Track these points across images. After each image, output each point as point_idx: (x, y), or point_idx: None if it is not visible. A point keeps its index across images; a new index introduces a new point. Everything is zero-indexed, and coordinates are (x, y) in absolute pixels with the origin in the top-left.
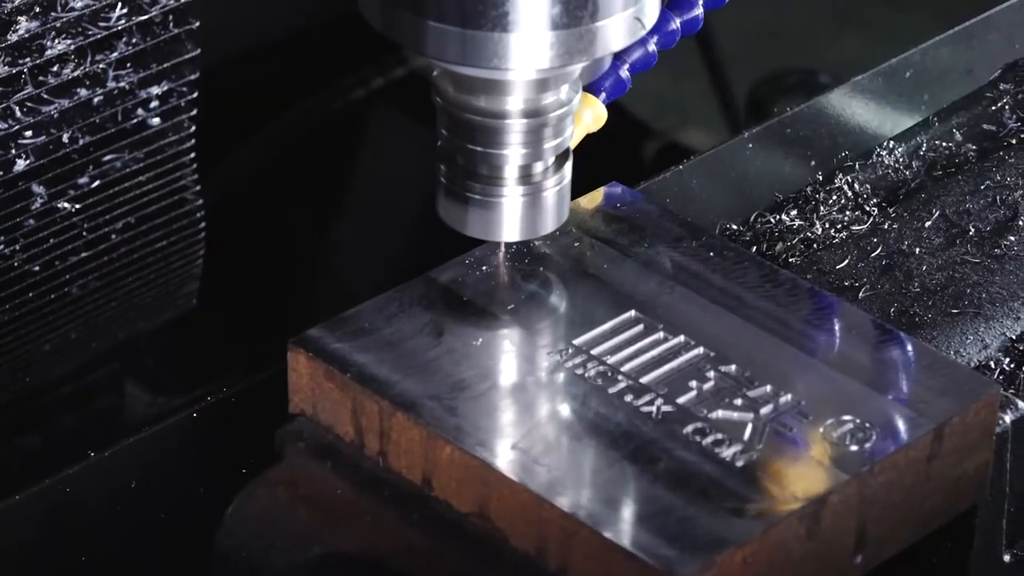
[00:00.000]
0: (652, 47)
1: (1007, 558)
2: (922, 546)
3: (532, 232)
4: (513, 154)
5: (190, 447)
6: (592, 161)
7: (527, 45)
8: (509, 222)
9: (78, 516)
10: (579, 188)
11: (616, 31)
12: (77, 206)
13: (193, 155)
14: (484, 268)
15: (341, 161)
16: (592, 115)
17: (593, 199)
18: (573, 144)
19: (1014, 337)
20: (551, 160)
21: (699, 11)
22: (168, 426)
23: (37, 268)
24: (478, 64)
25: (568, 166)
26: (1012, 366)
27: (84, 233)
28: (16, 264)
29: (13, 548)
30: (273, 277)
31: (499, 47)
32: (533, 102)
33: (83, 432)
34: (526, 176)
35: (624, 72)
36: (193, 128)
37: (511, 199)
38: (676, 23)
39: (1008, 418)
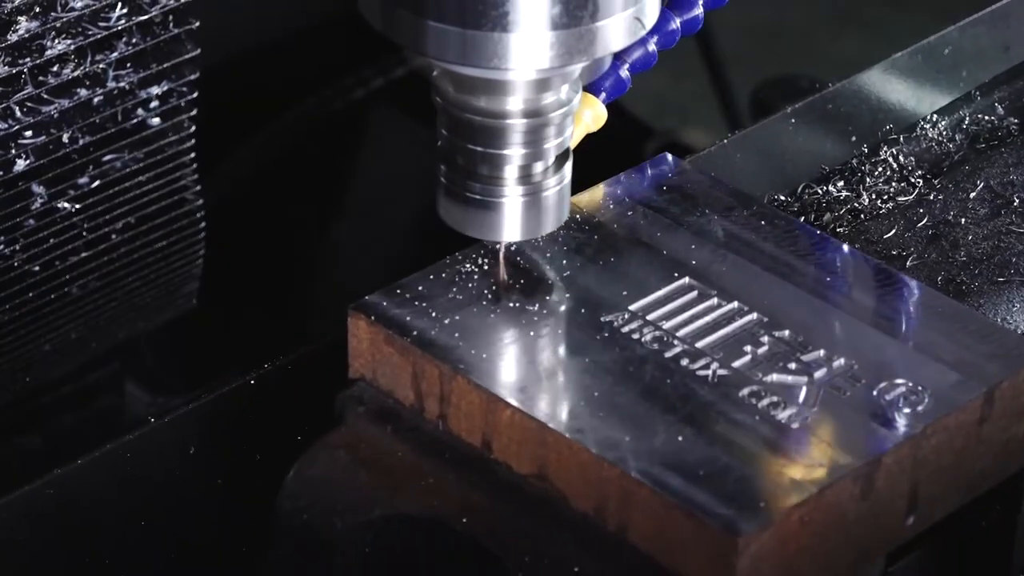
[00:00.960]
0: (652, 47)
1: None
2: (972, 508)
3: (532, 232)
4: (513, 154)
5: (248, 414)
6: (592, 161)
7: (527, 45)
8: (509, 222)
9: (140, 480)
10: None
11: (616, 31)
12: (77, 206)
13: (193, 155)
14: (540, 235)
15: (341, 161)
16: (592, 115)
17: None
18: (573, 144)
19: None
20: (551, 160)
21: (699, 11)
22: (226, 393)
23: (37, 268)
24: (478, 64)
25: (568, 166)
26: None
27: (84, 233)
28: (16, 264)
29: (77, 513)
30: (273, 277)
31: (499, 47)
32: (533, 102)
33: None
34: (526, 176)
35: (624, 72)
36: (193, 128)
37: (511, 199)
38: (676, 23)
39: None
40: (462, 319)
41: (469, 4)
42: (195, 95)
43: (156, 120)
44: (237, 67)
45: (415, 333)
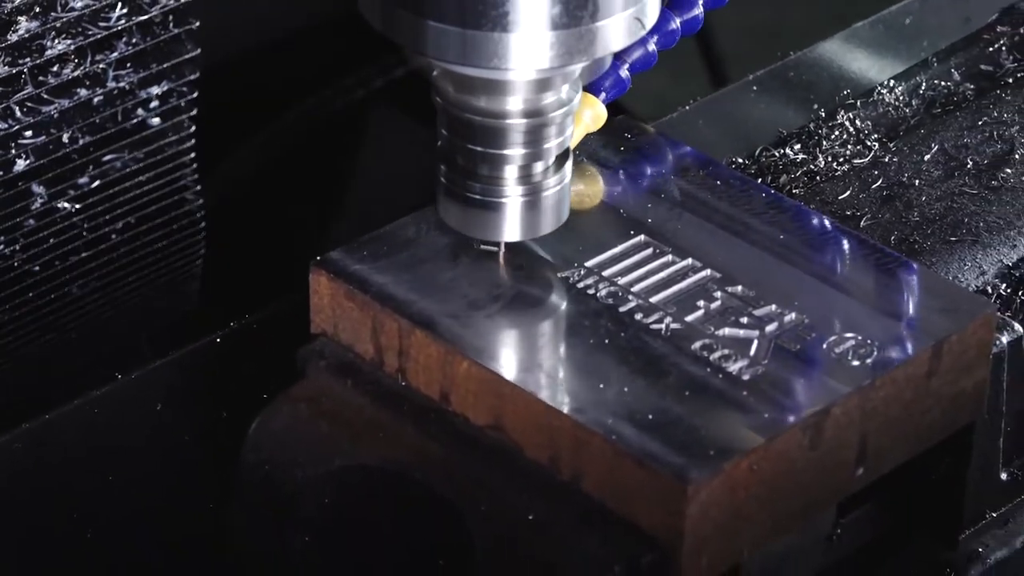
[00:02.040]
0: (652, 47)
1: (1004, 476)
2: (921, 461)
3: (532, 232)
4: (513, 154)
5: (215, 371)
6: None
7: (527, 45)
8: (509, 222)
9: (106, 437)
10: None
11: (616, 31)
12: (77, 206)
13: (193, 155)
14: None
15: (341, 161)
16: (592, 115)
17: (607, 129)
18: (573, 144)
19: (1010, 264)
20: (551, 160)
21: (699, 11)
22: (193, 350)
23: (37, 268)
24: (478, 64)
25: (568, 166)
26: (1008, 291)
27: (84, 233)
28: (16, 264)
29: (40, 468)
30: (273, 277)
31: (499, 47)
32: (533, 102)
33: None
34: (526, 176)
35: (624, 72)
36: (193, 128)
37: (511, 199)
38: (676, 23)
39: (1004, 339)
40: (421, 274)
41: (469, 4)
42: (195, 95)
43: (156, 120)
44: (237, 67)
45: (374, 288)
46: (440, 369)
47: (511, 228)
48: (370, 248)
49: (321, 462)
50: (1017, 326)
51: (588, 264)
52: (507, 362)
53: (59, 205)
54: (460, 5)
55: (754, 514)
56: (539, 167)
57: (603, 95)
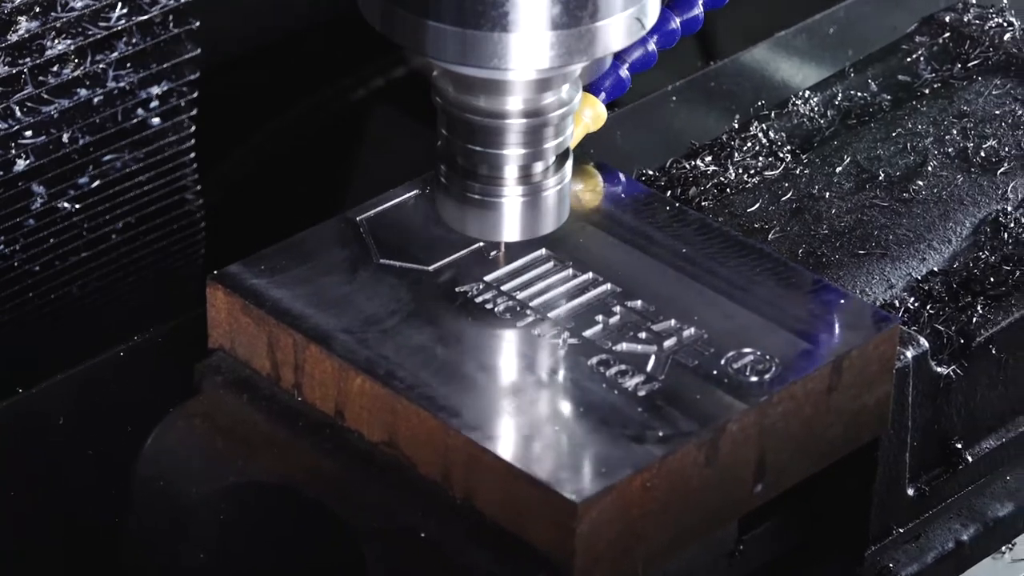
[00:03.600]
0: (652, 47)
1: (911, 492)
2: (825, 478)
3: (532, 232)
4: (513, 154)
5: (116, 385)
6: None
7: (527, 45)
8: (509, 222)
9: (5, 450)
10: None
11: (616, 31)
12: (77, 206)
13: (193, 155)
14: (402, 207)
15: (341, 161)
16: (592, 115)
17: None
18: (573, 144)
19: (919, 278)
20: (551, 160)
21: (699, 11)
22: (95, 364)
23: (37, 268)
24: (478, 64)
25: (568, 166)
26: (916, 305)
27: (84, 233)
28: (16, 264)
29: None
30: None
31: (499, 47)
32: (533, 102)
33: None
34: (526, 176)
35: (624, 72)
36: (193, 128)
37: (511, 199)
38: (676, 23)
39: (910, 353)
40: (317, 289)
41: (469, 4)
42: (195, 95)
43: (156, 120)
44: (237, 67)
45: (270, 303)
46: (335, 385)
47: (510, 228)
48: (268, 262)
49: (215, 478)
50: (923, 340)
51: (487, 278)
52: (401, 378)
53: (59, 205)
54: (460, 5)
55: (649, 531)
56: (539, 167)
57: (603, 95)
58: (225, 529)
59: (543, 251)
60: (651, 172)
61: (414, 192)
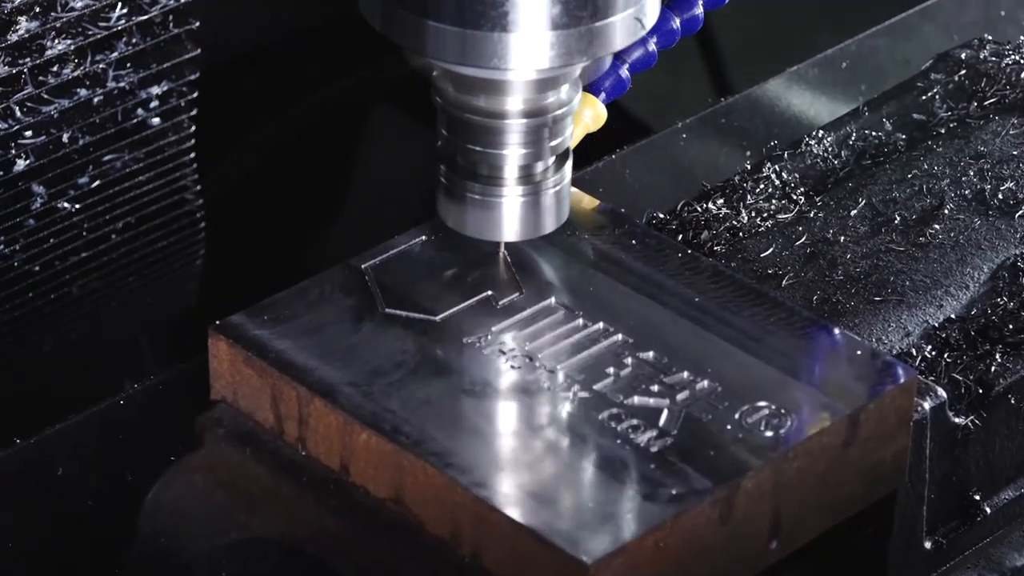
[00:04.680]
0: (652, 47)
1: (928, 545)
2: (841, 533)
3: (532, 232)
4: (513, 154)
5: (117, 434)
6: (592, 161)
7: (527, 45)
8: (509, 222)
9: (4, 502)
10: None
11: (616, 31)
12: (77, 206)
13: (193, 155)
14: (407, 255)
15: (341, 161)
16: (592, 115)
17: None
18: (573, 144)
19: (936, 325)
20: (551, 160)
21: (699, 11)
22: (94, 413)
23: (37, 268)
24: (478, 64)
25: (568, 166)
26: (933, 353)
27: (84, 233)
28: (16, 264)
29: None
30: (273, 277)
31: (499, 47)
32: (533, 102)
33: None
34: (526, 176)
35: (624, 72)
36: (193, 128)
37: (511, 199)
38: (676, 23)
39: (927, 405)
40: (321, 340)
41: (469, 4)
42: (195, 95)
43: (156, 120)
44: (237, 67)
45: (274, 354)
46: (340, 439)
47: (510, 228)
48: (271, 312)
49: (217, 534)
50: (940, 391)
51: (495, 329)
52: (407, 434)
53: (59, 205)
54: (460, 5)
55: None
56: (539, 167)
57: (603, 95)
58: None
59: (552, 300)
60: (662, 215)
61: (420, 239)
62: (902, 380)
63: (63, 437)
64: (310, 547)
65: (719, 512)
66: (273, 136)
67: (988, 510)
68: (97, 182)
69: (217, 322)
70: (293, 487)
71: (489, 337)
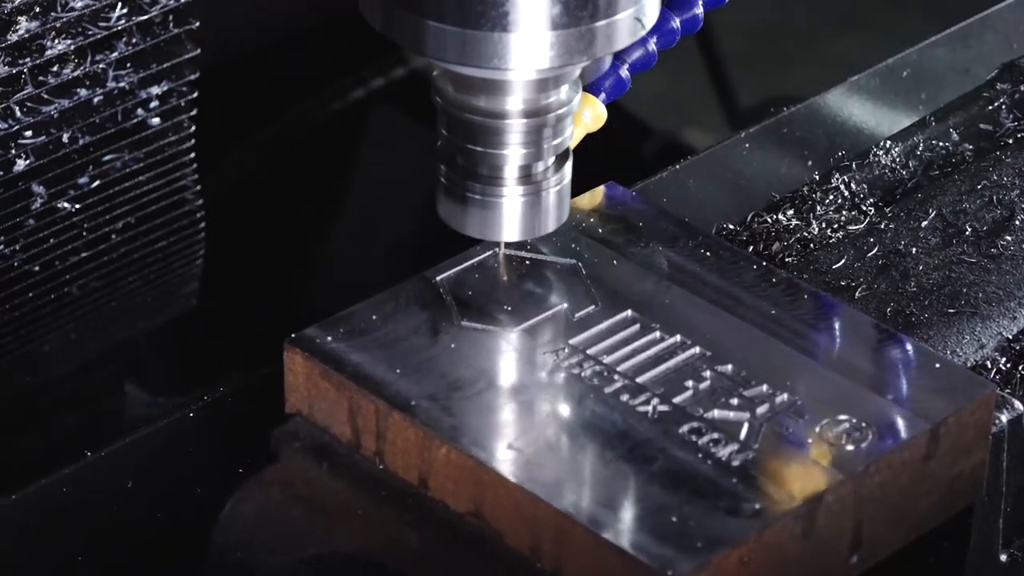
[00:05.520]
0: (652, 47)
1: (1004, 558)
2: (918, 546)
3: (532, 232)
4: (513, 154)
5: (187, 447)
6: (592, 161)
7: (527, 45)
8: (509, 222)
9: (75, 516)
10: (578, 188)
11: (616, 31)
12: (77, 206)
13: (193, 155)
14: (481, 267)
15: (341, 161)
16: (592, 115)
17: (593, 198)
18: (573, 144)
19: (1010, 337)
20: (551, 160)
21: (699, 11)
22: (164, 426)
23: (37, 268)
24: (478, 64)
25: (568, 166)
26: (1008, 365)
27: (84, 233)
28: (16, 264)
29: (8, 547)
30: (273, 277)
31: (499, 47)
32: (533, 102)
33: (83, 432)
34: (526, 176)
35: (624, 72)
36: (193, 128)
37: (511, 199)
38: (676, 23)
39: (1004, 418)
40: (399, 353)
41: (469, 4)
42: (195, 95)
43: (156, 120)
44: (237, 67)
45: (351, 368)
46: (418, 453)
47: (510, 228)
48: (346, 324)
49: (294, 549)
50: (1017, 404)
51: (572, 342)
52: (488, 447)
53: (59, 205)
54: (460, 5)
55: None
56: (539, 167)
57: (603, 95)
58: None
59: (629, 313)
60: (732, 227)
61: (493, 251)
62: (982, 393)
63: (133, 450)
64: (389, 562)
65: (802, 527)
66: (273, 136)
67: None
68: (97, 182)
69: (292, 335)
70: (371, 501)
71: (566, 350)
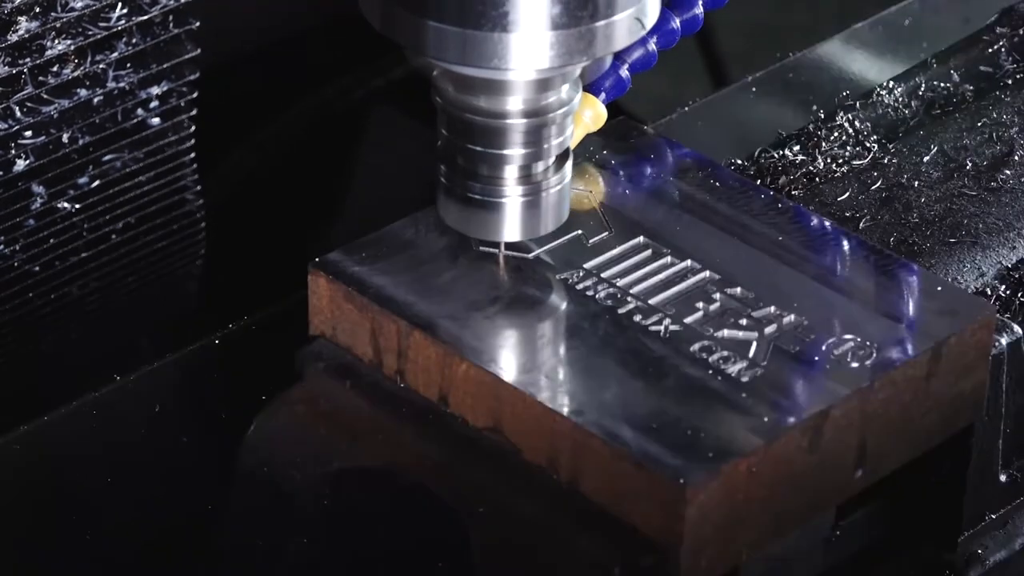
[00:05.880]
0: (652, 47)
1: (1003, 478)
2: (920, 464)
3: (532, 232)
4: (513, 154)
5: (212, 372)
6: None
7: (527, 45)
8: (509, 222)
9: (105, 439)
10: None
11: (616, 31)
12: (77, 206)
13: (193, 155)
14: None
15: (341, 161)
16: (592, 115)
17: (606, 130)
18: (573, 144)
19: (1009, 266)
20: (551, 160)
21: (699, 11)
22: (190, 351)
23: (37, 268)
24: (478, 64)
25: (568, 166)
26: (1008, 293)
27: (84, 233)
28: (16, 264)
29: (39, 472)
30: (273, 277)
31: (499, 47)
32: (533, 102)
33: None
34: (526, 176)
35: (624, 72)
36: (193, 128)
37: (511, 199)
38: (676, 23)
39: (1004, 340)
40: (420, 276)
41: (469, 4)
42: (195, 95)
43: (156, 120)
44: (237, 67)
45: (373, 290)
46: (439, 371)
47: (511, 228)
48: (369, 249)
49: (319, 464)
50: (1016, 328)
51: (587, 266)
52: (506, 364)
53: (59, 205)
54: (460, 5)
55: (753, 516)
56: (539, 167)
57: (603, 95)
58: (330, 513)
59: (642, 239)
60: (740, 161)
61: None
62: (982, 315)
63: (161, 375)
64: (410, 475)
65: (808, 440)
66: (273, 136)
67: None
68: (97, 182)
69: (316, 259)
70: (393, 418)
71: (581, 273)
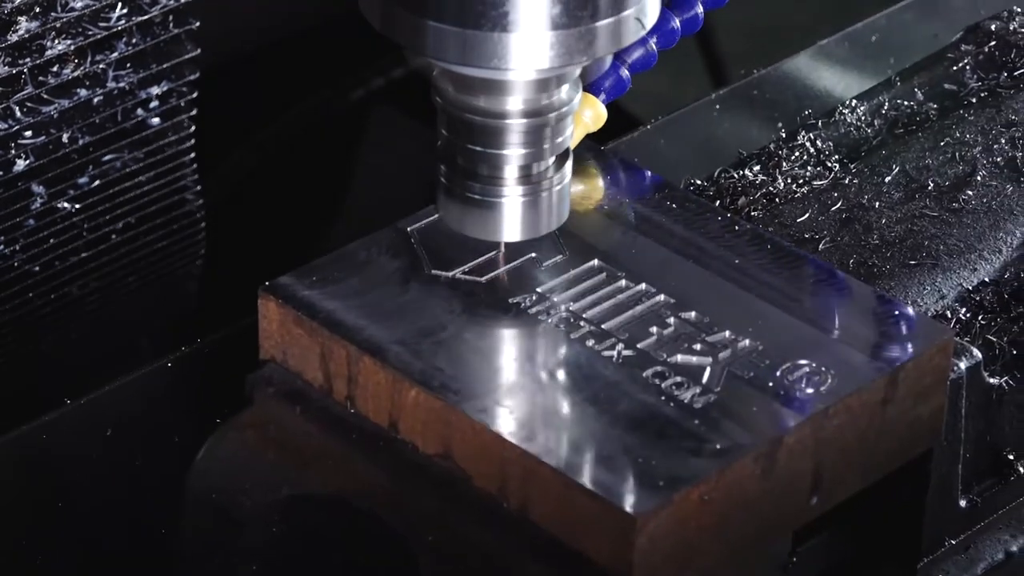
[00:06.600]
0: (652, 47)
1: (963, 503)
2: (878, 489)
3: (532, 232)
4: (513, 154)
5: (165, 396)
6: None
7: (527, 45)
8: (509, 222)
9: (54, 463)
10: None
11: (616, 31)
12: (77, 206)
13: (193, 155)
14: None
15: (341, 161)
16: (592, 115)
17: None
18: (573, 144)
19: (970, 288)
20: (551, 160)
21: (699, 10)
22: (143, 375)
23: (37, 268)
24: (478, 64)
25: (568, 166)
26: (968, 315)
27: (84, 233)
28: (16, 264)
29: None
30: (273, 277)
31: (499, 47)
32: (533, 102)
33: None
34: (526, 176)
35: (624, 72)
36: (193, 128)
37: (511, 199)
38: (676, 23)
39: (963, 364)
40: (370, 300)
41: (469, 4)
42: (195, 95)
43: (156, 120)
44: (237, 67)
45: (323, 314)
46: (389, 397)
47: (511, 228)
48: (320, 273)
49: (268, 490)
50: (976, 352)
51: (540, 289)
52: (456, 390)
53: (59, 205)
54: (460, 5)
55: (706, 544)
56: (539, 167)
57: (603, 95)
58: (279, 541)
59: (596, 262)
60: (699, 182)
61: None
62: (940, 339)
63: (112, 398)
64: (360, 503)
65: (762, 467)
66: (273, 136)
67: (1021, 470)
68: (97, 182)
69: (267, 283)
70: (342, 444)
71: (534, 297)
